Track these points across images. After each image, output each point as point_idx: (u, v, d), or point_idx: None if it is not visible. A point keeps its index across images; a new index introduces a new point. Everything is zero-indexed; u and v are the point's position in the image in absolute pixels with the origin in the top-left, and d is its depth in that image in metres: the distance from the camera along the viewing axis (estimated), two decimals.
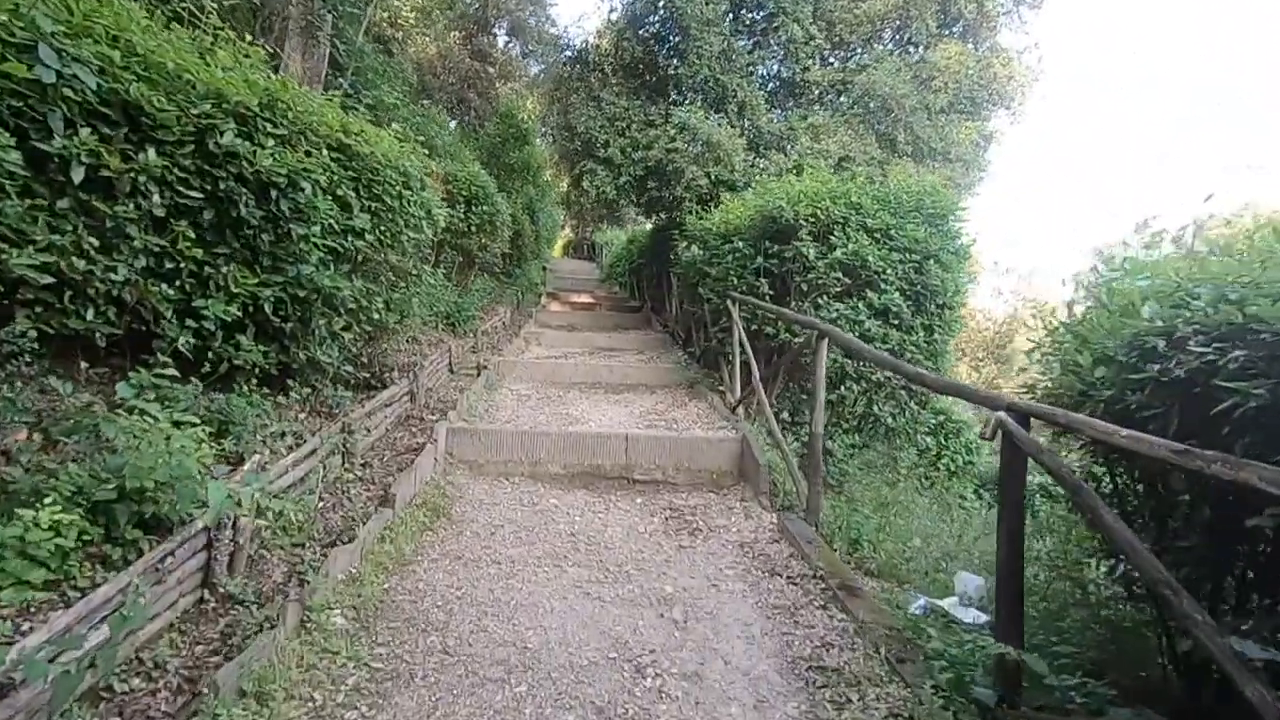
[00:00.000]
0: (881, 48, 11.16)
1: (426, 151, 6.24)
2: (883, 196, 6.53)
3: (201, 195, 3.32)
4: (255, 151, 3.42)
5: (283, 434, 3.83)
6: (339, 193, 4.06)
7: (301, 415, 4.25)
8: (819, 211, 6.22)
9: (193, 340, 3.35)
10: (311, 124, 4.01)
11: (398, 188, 4.58)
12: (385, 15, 17.82)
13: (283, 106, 3.76)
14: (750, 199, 7.24)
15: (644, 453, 4.92)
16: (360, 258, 4.37)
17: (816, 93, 11.21)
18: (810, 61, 11.20)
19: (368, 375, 5.14)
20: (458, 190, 9.79)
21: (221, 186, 3.37)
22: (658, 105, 11.08)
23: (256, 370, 3.74)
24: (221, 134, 3.35)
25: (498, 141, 14.81)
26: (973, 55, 10.76)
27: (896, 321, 6.24)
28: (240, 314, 3.49)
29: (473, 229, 9.83)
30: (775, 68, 11.97)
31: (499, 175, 14.42)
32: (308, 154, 3.83)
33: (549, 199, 19.86)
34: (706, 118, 10.14)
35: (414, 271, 5.27)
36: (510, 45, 21.34)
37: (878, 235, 6.28)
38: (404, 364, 5.96)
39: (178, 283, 3.33)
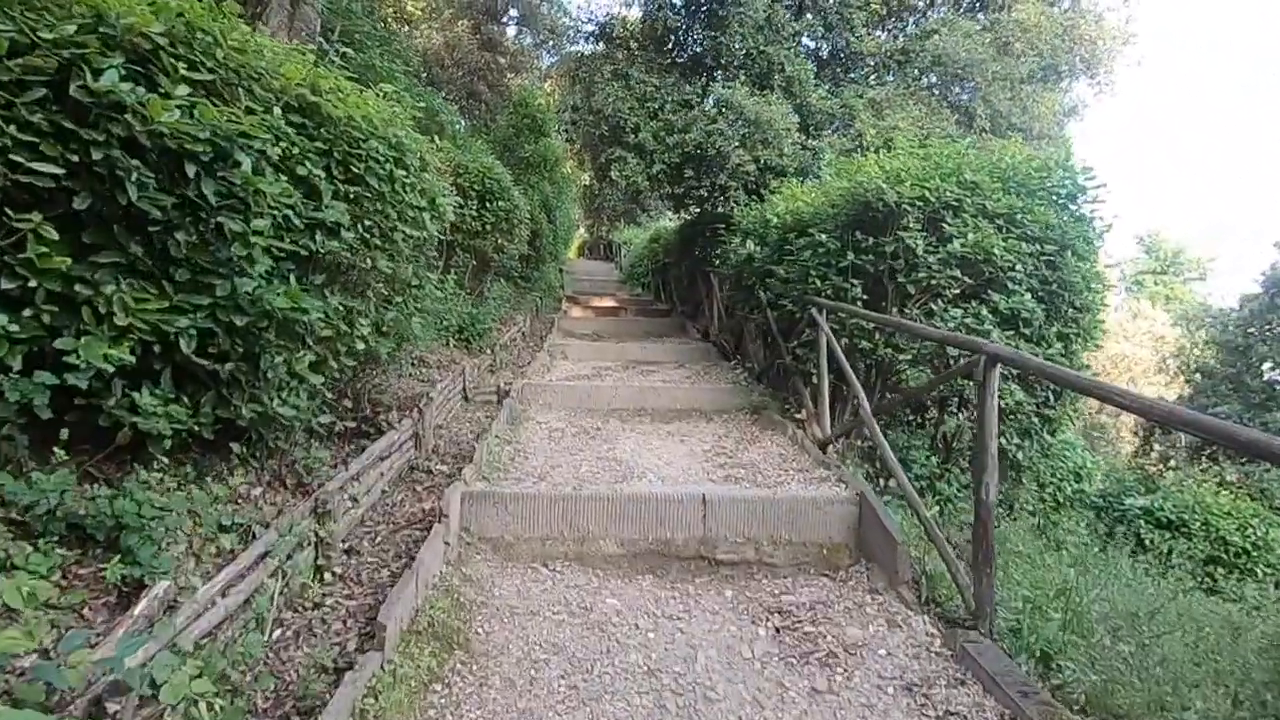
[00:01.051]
0: (948, 10, 9.77)
1: (435, 137, 5.01)
2: (1002, 172, 5.19)
3: (64, 170, 2.07)
4: (150, 101, 2.16)
5: (220, 528, 2.58)
6: (301, 171, 2.80)
7: (256, 491, 3.00)
8: (927, 193, 4.89)
9: (53, 400, 2.11)
10: (259, 71, 2.76)
11: (388, 166, 3.31)
12: (390, 9, 16.70)
13: (206, 40, 2.51)
14: (831, 181, 5.92)
15: (726, 519, 3.63)
16: (336, 264, 3.12)
17: (872, 64, 9.85)
18: (864, 30, 9.84)
19: (355, 421, 3.89)
20: (469, 184, 8.57)
21: (97, 157, 2.12)
22: (693, 84, 9.78)
23: (178, 437, 2.48)
24: (96, 74, 2.10)
25: (511, 134, 13.61)
26: (1057, 16, 9.36)
27: (1027, 330, 4.91)
28: (134, 357, 2.24)
29: (488, 228, 8.60)
30: (819, 44, 10.63)
31: (513, 170, 13.20)
32: (249, 112, 2.57)
33: (567, 196, 18.66)
34: (750, 95, 8.83)
35: (415, 282, 4.01)
36: (521, 35, 20.12)
37: (1000, 221, 4.95)
38: (406, 397, 4.71)
39: (28, 312, 2.08)
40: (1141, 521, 9.20)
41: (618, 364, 8.52)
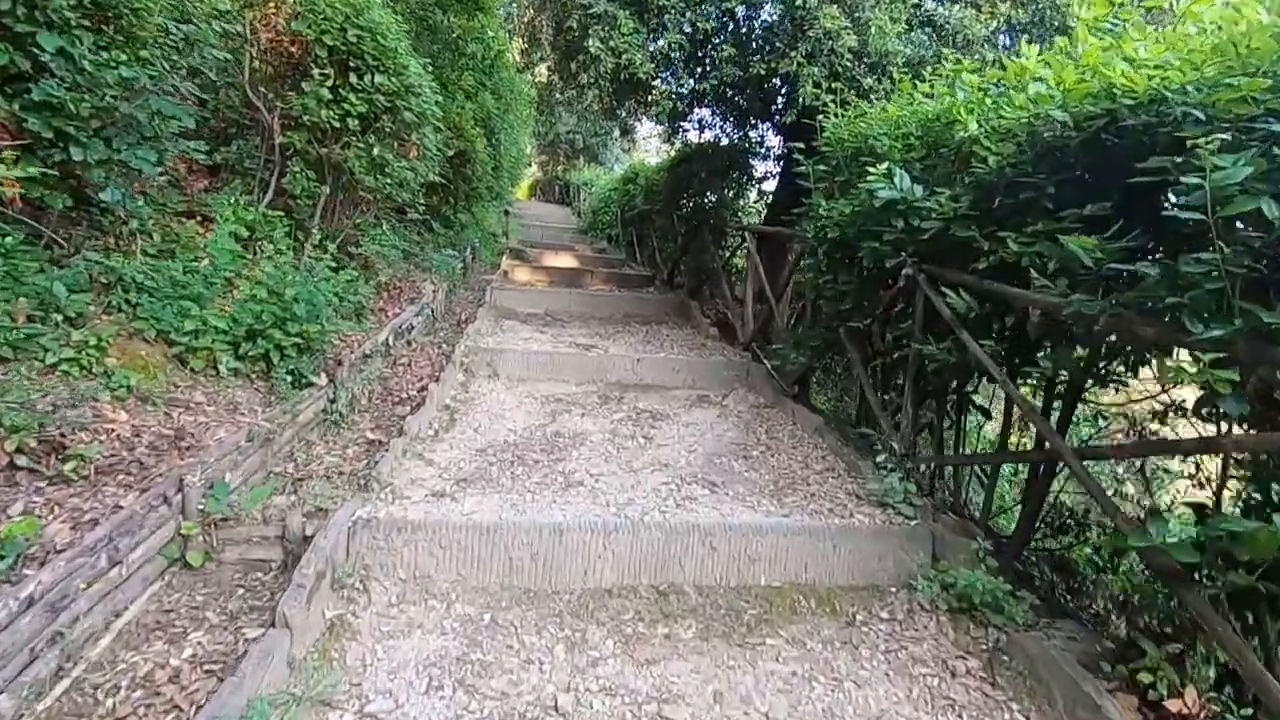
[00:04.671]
0: None
1: None
2: None
3: None
4: None
5: None
6: None
7: None
8: None
9: None
10: None
11: None
12: None
13: None
14: None
15: None
16: None
17: None
18: None
19: None
20: (315, 35, 4.45)
21: None
22: None
23: None
24: None
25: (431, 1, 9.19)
26: None
27: None
28: None
29: (351, 125, 4.55)
30: None
31: (437, 67, 8.88)
32: None
33: (517, 116, 14.22)
34: None
35: None
36: None
37: None
38: None
39: None
40: None
41: (592, 391, 4.65)
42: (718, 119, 8.98)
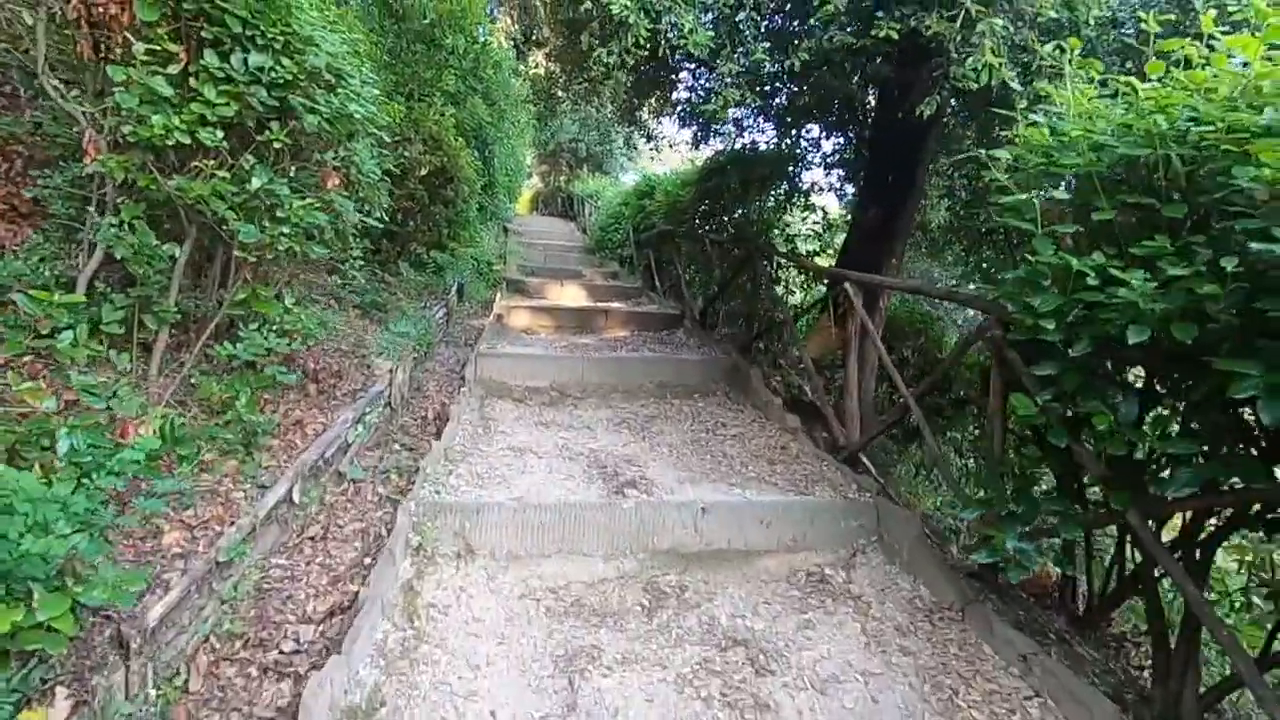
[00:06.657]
0: None
1: None
2: None
3: None
4: None
5: None
6: None
7: None
8: None
9: None
10: None
11: None
12: None
13: None
14: None
15: None
16: None
17: None
18: None
19: None
20: None
21: None
22: None
23: None
24: None
25: None
26: None
27: None
28: None
29: (208, 138, 2.60)
30: None
31: (402, 60, 7.03)
32: None
33: (513, 122, 12.32)
34: None
35: None
36: None
37: None
38: None
39: None
40: None
41: (630, 577, 2.71)
42: (758, 119, 7.19)
